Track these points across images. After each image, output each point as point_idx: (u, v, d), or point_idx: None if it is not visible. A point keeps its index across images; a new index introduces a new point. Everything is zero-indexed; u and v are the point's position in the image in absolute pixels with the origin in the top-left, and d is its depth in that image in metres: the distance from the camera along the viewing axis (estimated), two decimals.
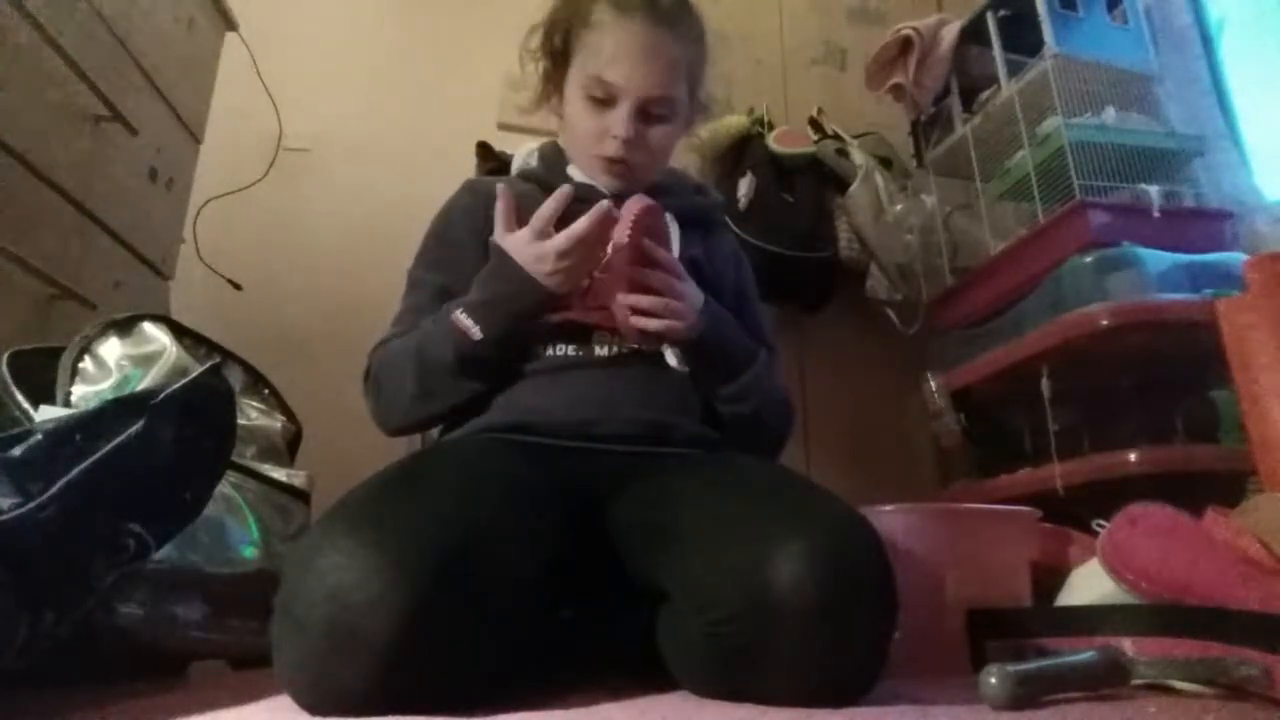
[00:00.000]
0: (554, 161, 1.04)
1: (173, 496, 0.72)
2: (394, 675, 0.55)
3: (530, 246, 0.85)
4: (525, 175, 1.05)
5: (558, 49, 0.97)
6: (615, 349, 0.90)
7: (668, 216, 0.98)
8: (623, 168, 0.95)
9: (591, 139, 0.94)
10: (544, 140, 1.09)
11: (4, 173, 0.97)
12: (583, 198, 0.98)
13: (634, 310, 0.86)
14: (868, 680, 0.63)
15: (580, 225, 0.83)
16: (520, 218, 0.96)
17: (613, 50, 0.91)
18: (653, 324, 0.86)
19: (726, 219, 1.72)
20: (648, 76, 0.91)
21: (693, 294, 0.89)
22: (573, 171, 1.01)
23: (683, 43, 0.95)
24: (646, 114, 0.93)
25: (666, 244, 0.90)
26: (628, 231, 0.84)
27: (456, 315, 0.85)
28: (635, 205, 0.85)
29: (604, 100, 0.92)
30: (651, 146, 0.95)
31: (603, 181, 0.97)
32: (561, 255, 0.84)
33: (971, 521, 1.01)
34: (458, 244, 0.98)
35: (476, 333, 0.84)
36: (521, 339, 0.88)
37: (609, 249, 0.85)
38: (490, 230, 0.97)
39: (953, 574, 0.92)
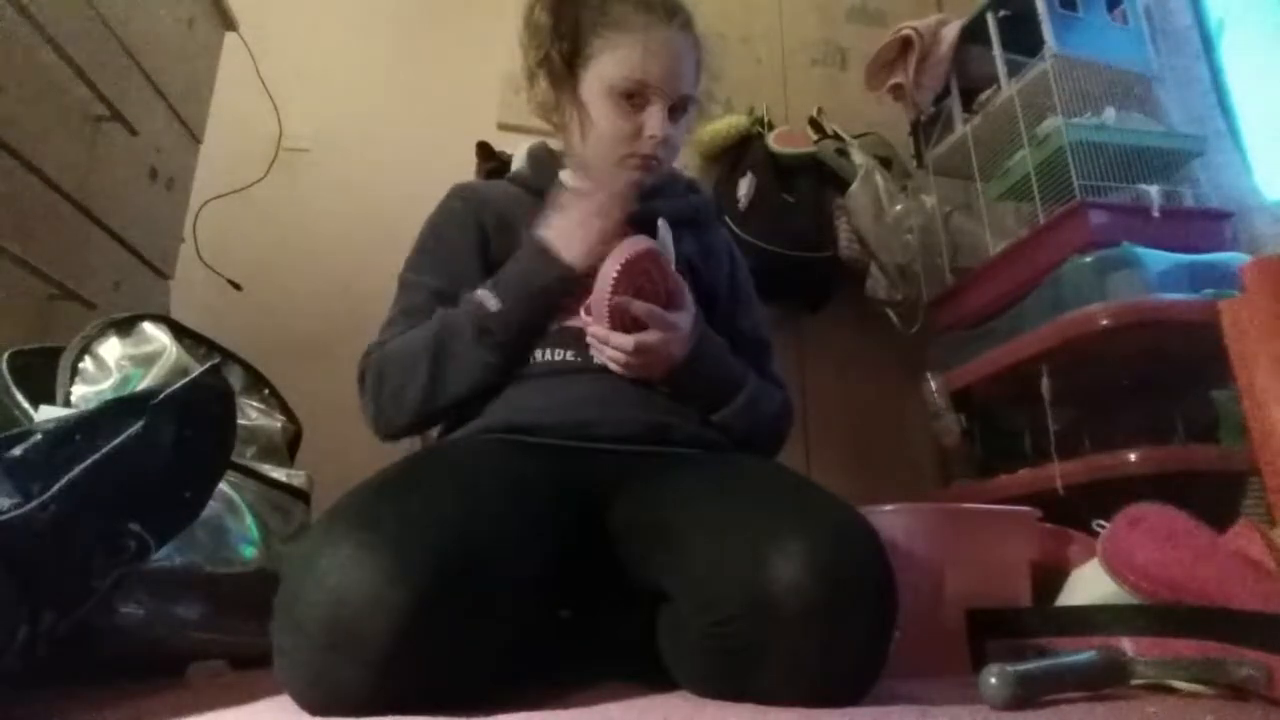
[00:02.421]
0: (543, 164, 1.03)
1: (173, 496, 0.72)
2: (394, 675, 0.55)
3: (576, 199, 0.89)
4: (513, 179, 1.04)
5: (565, 50, 0.94)
6: None
7: (661, 223, 0.97)
8: (654, 163, 0.96)
9: (625, 139, 0.94)
10: (533, 142, 1.07)
11: (4, 173, 0.96)
12: None
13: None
14: (868, 680, 0.63)
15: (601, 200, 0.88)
16: (505, 225, 0.96)
17: (646, 51, 0.91)
18: (614, 368, 0.88)
19: (724, 216, 1.75)
20: (680, 74, 0.94)
21: (658, 344, 0.87)
22: (565, 176, 1.01)
23: (694, 40, 0.97)
24: (672, 111, 0.94)
25: (662, 279, 0.90)
26: (614, 275, 0.83)
27: (477, 291, 0.89)
28: (622, 255, 0.84)
29: (637, 101, 0.93)
30: (675, 143, 0.97)
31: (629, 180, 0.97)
32: (589, 214, 0.88)
33: (971, 521, 1.01)
34: (450, 247, 0.98)
35: (494, 303, 0.87)
36: (535, 319, 0.90)
37: (597, 280, 0.85)
38: (480, 234, 0.97)
39: (953, 574, 0.92)
